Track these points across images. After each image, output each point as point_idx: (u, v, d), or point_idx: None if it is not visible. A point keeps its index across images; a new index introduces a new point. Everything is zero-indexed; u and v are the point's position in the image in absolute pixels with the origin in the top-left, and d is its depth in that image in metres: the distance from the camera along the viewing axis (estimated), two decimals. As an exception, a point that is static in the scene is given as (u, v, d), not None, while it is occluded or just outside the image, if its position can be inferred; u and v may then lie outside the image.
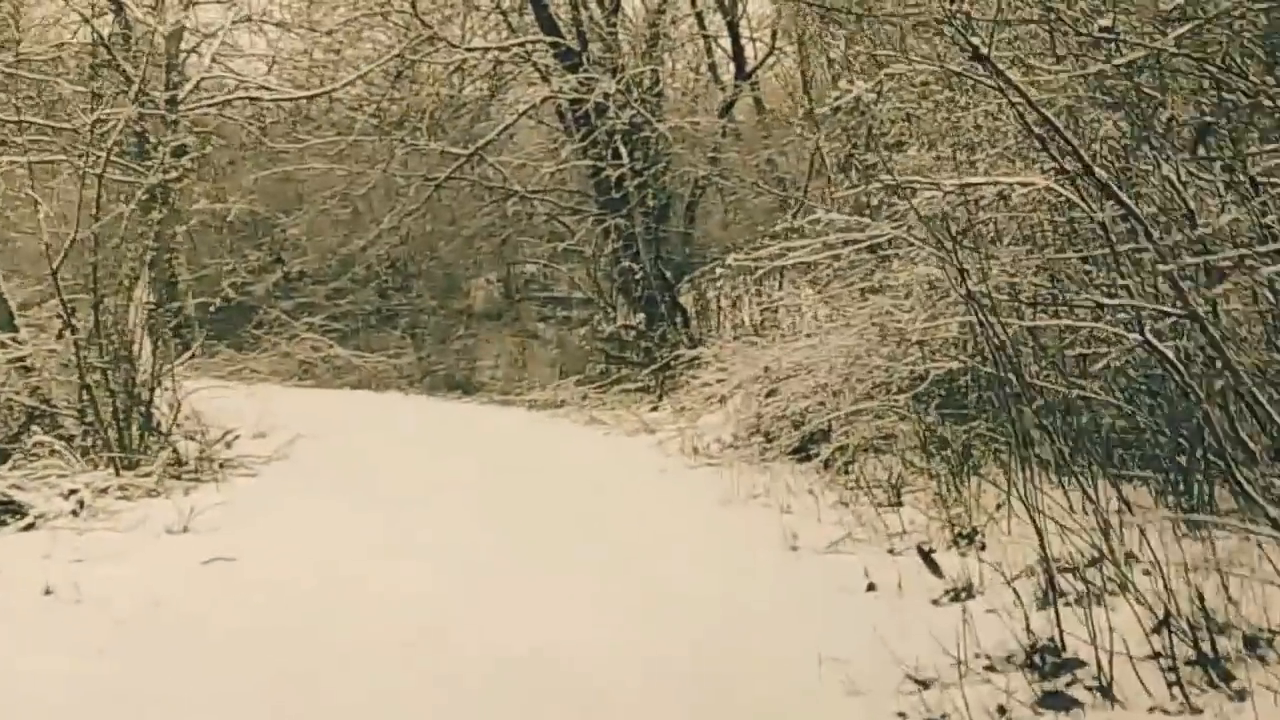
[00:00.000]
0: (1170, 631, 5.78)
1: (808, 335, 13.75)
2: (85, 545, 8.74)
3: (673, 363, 16.90)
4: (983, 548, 8.61)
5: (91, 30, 11.99)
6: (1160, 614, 5.88)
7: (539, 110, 21.21)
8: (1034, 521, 6.81)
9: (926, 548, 8.53)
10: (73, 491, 9.75)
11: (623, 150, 19.10)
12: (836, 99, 12.04)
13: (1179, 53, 7.13)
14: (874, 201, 11.96)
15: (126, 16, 18.08)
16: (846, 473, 11.21)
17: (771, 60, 21.64)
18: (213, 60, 19.86)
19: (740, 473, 11.75)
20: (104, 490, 10.17)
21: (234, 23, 22.45)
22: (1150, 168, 7.53)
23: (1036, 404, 7.51)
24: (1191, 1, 7.11)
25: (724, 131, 20.10)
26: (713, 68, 22.43)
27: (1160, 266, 6.65)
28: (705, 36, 22.07)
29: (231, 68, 20.37)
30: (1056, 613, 6.23)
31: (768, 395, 13.31)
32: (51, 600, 7.50)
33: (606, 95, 18.52)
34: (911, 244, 10.46)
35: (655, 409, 16.30)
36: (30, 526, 9.28)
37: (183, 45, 20.98)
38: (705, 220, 21.39)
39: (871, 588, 7.83)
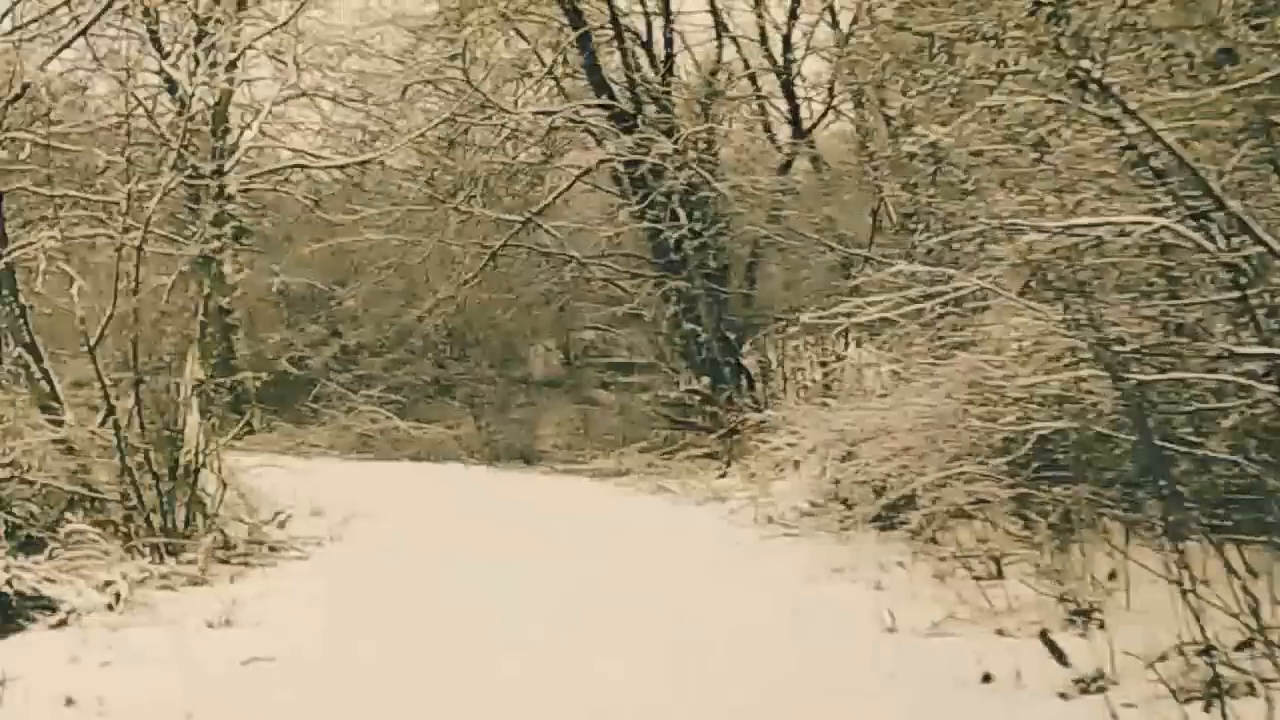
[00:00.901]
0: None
1: (881, 395, 12.76)
2: (118, 644, 7.80)
3: (740, 427, 15.90)
4: (1101, 626, 7.59)
5: (126, 96, 11.09)
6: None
7: (594, 174, 20.38)
8: (1184, 596, 5.78)
9: (1041, 627, 7.51)
10: (108, 583, 8.84)
11: (680, 212, 18.24)
12: (911, 143, 11.14)
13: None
14: (951, 254, 11.05)
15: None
16: (935, 542, 10.19)
17: (827, 120, 20.76)
18: (261, 130, 19.16)
19: (820, 544, 10.76)
20: (143, 580, 9.26)
21: (288, 98, 21.95)
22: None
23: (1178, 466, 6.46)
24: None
25: (783, 190, 19.16)
26: (767, 127, 21.52)
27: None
28: (760, 98, 21.16)
29: (281, 140, 19.62)
30: (1224, 714, 5.19)
31: (843, 459, 12.30)
32: (73, 713, 6.55)
33: (663, 156, 17.69)
34: (1001, 295, 9.50)
35: (723, 475, 15.31)
36: (62, 623, 8.34)
37: (233, 120, 20.40)
38: (766, 281, 20.40)
39: (987, 678, 6.76)
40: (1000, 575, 8.98)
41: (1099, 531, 9.10)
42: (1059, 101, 7.35)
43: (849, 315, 10.37)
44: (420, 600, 9.01)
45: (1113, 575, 8.35)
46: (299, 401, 22.74)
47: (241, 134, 19.68)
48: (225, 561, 10.56)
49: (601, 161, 19.30)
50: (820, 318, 10.73)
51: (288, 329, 23.70)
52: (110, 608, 8.59)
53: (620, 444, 18.21)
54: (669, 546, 11.23)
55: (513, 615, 8.47)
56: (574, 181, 20.23)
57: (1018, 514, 9.86)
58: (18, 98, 10.77)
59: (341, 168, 20.21)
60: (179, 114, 15.45)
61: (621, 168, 19.03)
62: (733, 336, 18.29)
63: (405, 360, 22.38)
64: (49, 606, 8.46)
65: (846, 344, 16.64)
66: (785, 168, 19.73)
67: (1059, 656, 6.83)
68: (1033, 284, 9.85)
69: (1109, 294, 9.01)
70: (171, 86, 18.82)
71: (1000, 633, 7.74)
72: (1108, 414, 8.48)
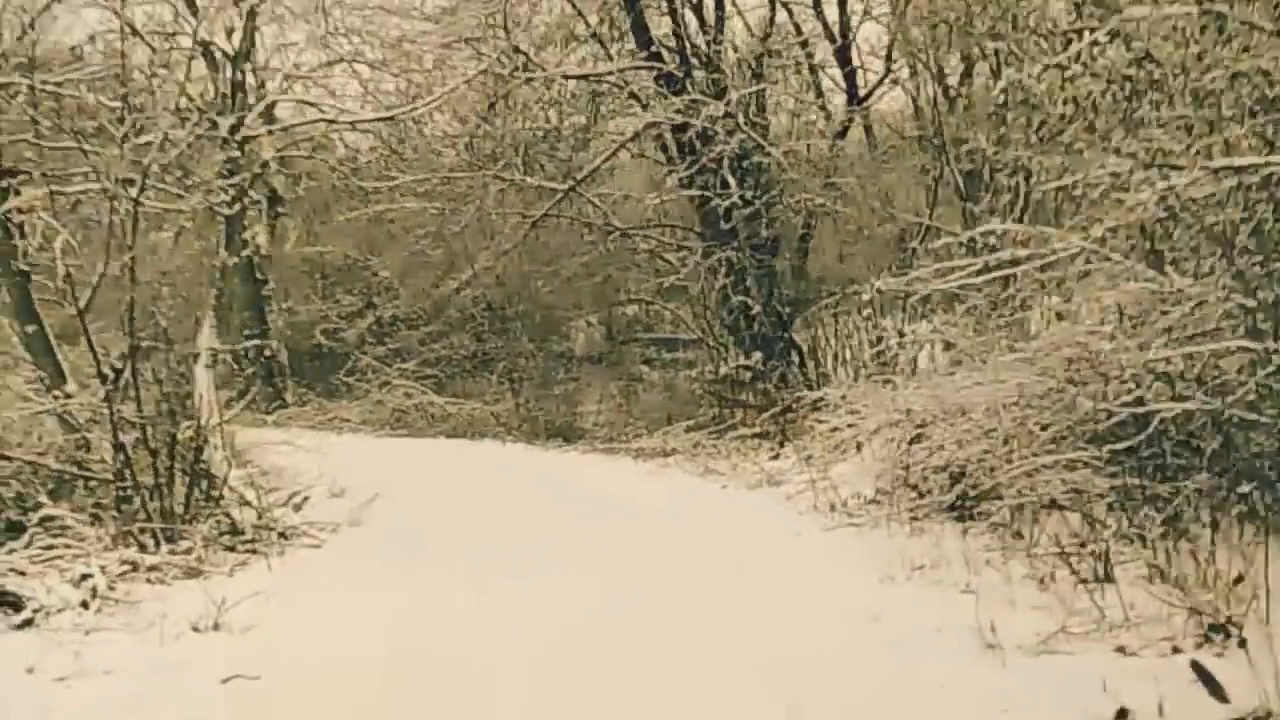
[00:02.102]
0: None
1: (948, 373, 11.33)
2: (85, 651, 6.48)
3: (794, 406, 14.47)
4: (1242, 644, 6.20)
5: (121, 26, 9.72)
6: None
7: (640, 142, 18.93)
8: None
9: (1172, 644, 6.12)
10: (85, 577, 7.52)
11: (730, 179, 16.81)
12: (1001, 89, 9.67)
13: None
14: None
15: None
16: (1020, 536, 8.76)
17: (883, 89, 19.22)
18: (287, 87, 17.82)
19: (892, 537, 9.35)
20: (127, 572, 7.94)
21: (329, 63, 20.68)
22: None
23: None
24: None
25: (837, 156, 17.69)
26: (820, 93, 19.99)
27: None
28: (812, 66, 19.62)
29: (317, 105, 18.27)
30: None
31: (911, 442, 10.88)
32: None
33: (713, 120, 16.24)
34: (1111, 259, 8.05)
35: (776, 457, 13.89)
36: (27, 623, 7.05)
37: (268, 86, 19.07)
38: (818, 255, 18.93)
39: (1124, 714, 5.35)
40: (1109, 578, 7.56)
41: (1221, 529, 7.71)
42: (1217, 13, 5.91)
43: (925, 282, 8.91)
44: (440, 605, 7.63)
45: (1239, 580, 6.98)
46: (332, 375, 21.47)
47: (263, 86, 18.30)
48: (231, 549, 9.25)
49: (648, 126, 17.82)
50: (898, 284, 9.22)
51: (322, 300, 22.45)
52: (85, 605, 7.27)
53: (665, 423, 16.78)
54: (722, 539, 9.81)
55: (544, 629, 7.08)
56: (619, 148, 18.77)
57: (1119, 506, 8.45)
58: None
59: (370, 122, 18.80)
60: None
61: (669, 134, 17.61)
62: (785, 310, 16.84)
63: (442, 333, 21.02)
64: (14, 604, 7.16)
65: (908, 318, 15.25)
66: (841, 134, 18.22)
67: (1215, 690, 5.41)
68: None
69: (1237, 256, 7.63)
70: (205, 51, 17.69)
71: (1122, 651, 6.33)
72: (1246, 392, 7.08)
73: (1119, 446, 7.59)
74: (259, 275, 22.07)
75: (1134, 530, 7.92)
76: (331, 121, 16.48)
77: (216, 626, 6.95)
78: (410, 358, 20.88)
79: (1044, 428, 8.87)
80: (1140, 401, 7.55)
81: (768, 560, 8.85)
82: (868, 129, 19.50)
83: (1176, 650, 6.20)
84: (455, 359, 20.96)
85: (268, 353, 21.45)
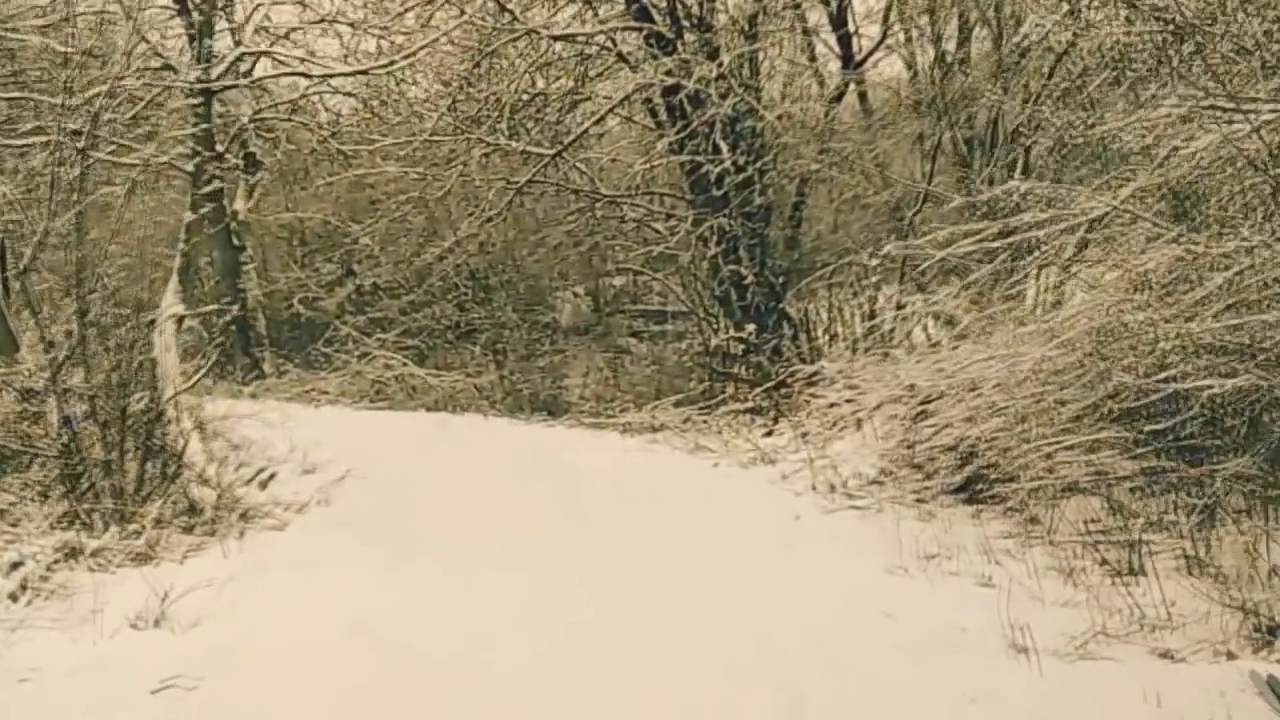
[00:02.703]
0: None
1: (953, 348, 10.59)
2: (6, 653, 5.71)
3: (789, 380, 13.70)
4: (1296, 648, 5.51)
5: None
6: None
7: (629, 106, 18.06)
8: None
9: (1225, 648, 5.41)
10: (16, 565, 6.74)
11: (722, 145, 15.98)
12: (1024, 37, 8.97)
13: None
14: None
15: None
16: (1036, 522, 8.05)
17: (878, 55, 18.37)
18: (255, 33, 16.91)
19: (898, 521, 8.62)
20: (66, 558, 7.15)
21: (309, 23, 19.81)
22: None
23: None
24: None
25: (833, 121, 16.88)
26: (813, 58, 19.13)
27: None
28: (805, 30, 18.77)
29: (288, 56, 17.39)
30: None
31: (915, 419, 10.15)
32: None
33: (705, 81, 15.39)
34: (1143, 221, 7.33)
35: (770, 434, 13.11)
36: (-52, 617, 6.27)
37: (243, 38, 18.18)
38: (812, 224, 18.09)
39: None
40: (1141, 570, 6.84)
41: (1269, 518, 7.05)
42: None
43: (937, 248, 8.14)
44: (414, 596, 6.89)
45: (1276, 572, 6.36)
46: (312, 346, 20.63)
47: (239, 43, 17.41)
48: (188, 531, 8.48)
49: (638, 89, 16.96)
50: (901, 251, 8.46)
51: (301, 268, 21.58)
52: (14, 598, 6.50)
53: (654, 397, 15.96)
54: (717, 522, 9.05)
55: (528, 625, 6.33)
56: (607, 111, 17.85)
57: (1147, 490, 7.74)
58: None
59: (345, 76, 17.95)
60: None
61: (658, 97, 16.77)
62: (778, 281, 16.04)
63: (424, 303, 20.06)
64: (-65, 596, 6.39)
65: (905, 291, 14.50)
66: (837, 99, 17.39)
67: (1290, 710, 4.70)
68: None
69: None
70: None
71: (1169, 656, 5.63)
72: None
73: (1160, 426, 6.82)
74: (236, 242, 21.20)
75: (1167, 518, 7.22)
76: (305, 75, 15.64)
77: (158, 622, 6.20)
78: (391, 328, 20.00)
79: (1063, 405, 8.15)
80: (1177, 378, 6.80)
81: (766, 546, 8.10)
82: (862, 96, 18.73)
83: (1231, 656, 5.50)
84: (437, 329, 20.04)
85: (238, 319, 20.64)
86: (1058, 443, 7.82)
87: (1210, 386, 6.38)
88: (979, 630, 5.97)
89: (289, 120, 21.10)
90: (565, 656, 5.78)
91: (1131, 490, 7.83)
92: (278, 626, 6.11)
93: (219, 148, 20.22)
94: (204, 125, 10.43)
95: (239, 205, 21.47)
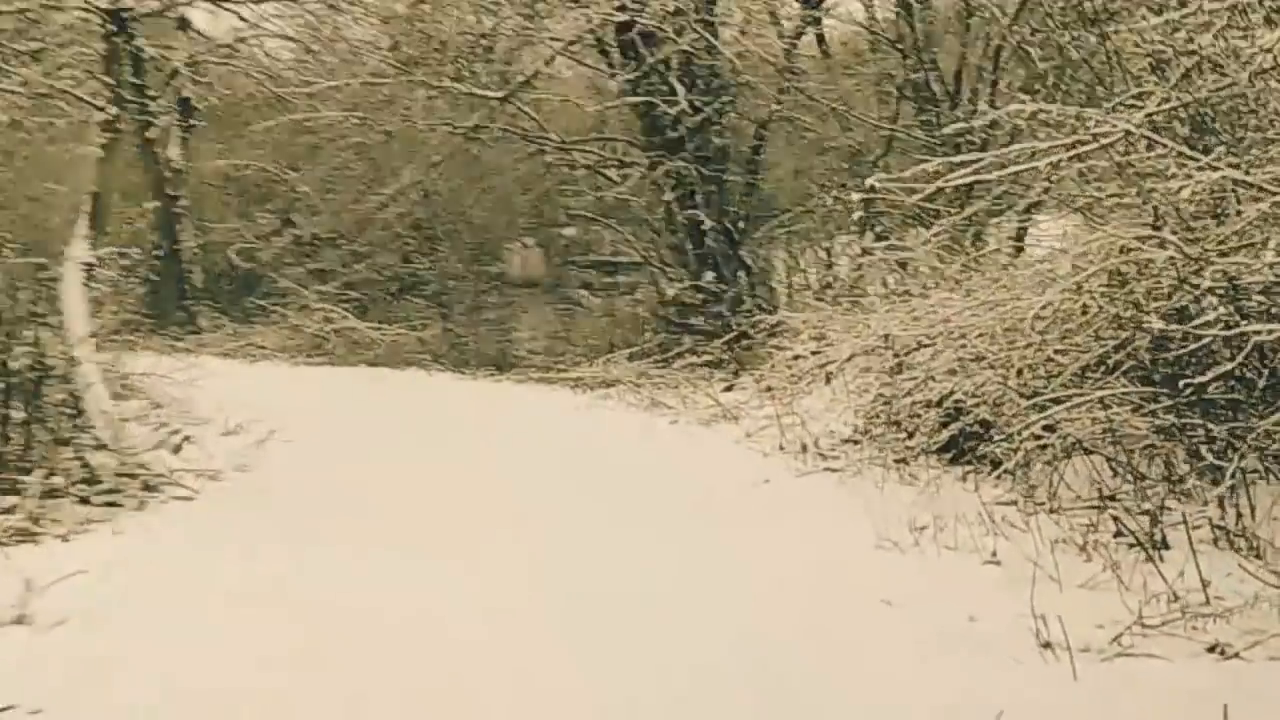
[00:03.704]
0: None
1: (923, 295, 9.64)
2: None
3: (750, 331, 12.70)
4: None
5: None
6: None
7: (581, 47, 16.90)
8: None
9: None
10: None
11: (678, 86, 14.92)
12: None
13: None
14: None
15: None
16: (1033, 485, 7.08)
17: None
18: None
19: (880, 485, 7.64)
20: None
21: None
22: None
23: None
24: None
25: (792, 60, 15.80)
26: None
27: None
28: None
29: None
30: None
31: (893, 372, 9.16)
32: None
33: (660, 17, 14.32)
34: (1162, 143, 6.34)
35: (730, 388, 12.14)
36: None
37: None
38: (771, 170, 17.03)
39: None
40: (1164, 543, 5.88)
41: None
42: None
43: (934, 178, 7.10)
44: (336, 581, 5.78)
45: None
46: (249, 299, 19.45)
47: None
48: (85, 501, 7.36)
49: (589, 29, 15.83)
50: (888, 184, 7.43)
51: (239, 218, 20.33)
52: None
53: (606, 350, 14.95)
54: (676, 486, 8.04)
55: (473, 612, 5.27)
56: (558, 51, 16.75)
57: (1156, 450, 6.78)
58: None
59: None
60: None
61: (611, 36, 15.67)
62: (737, 229, 15.02)
63: (365, 253, 18.86)
64: None
65: (868, 237, 13.55)
66: (796, 37, 16.29)
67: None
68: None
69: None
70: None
71: (1220, 652, 4.65)
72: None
73: (1201, 379, 5.82)
74: (170, 191, 19.96)
75: (1195, 482, 6.25)
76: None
77: (20, 619, 5.06)
78: (331, 280, 18.80)
79: (1063, 355, 7.17)
80: (1214, 324, 5.83)
81: (734, 516, 7.08)
82: (820, 39, 17.65)
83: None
84: (379, 281, 18.87)
85: (173, 271, 19.46)
86: (1061, 398, 6.83)
87: (1259, 332, 5.39)
88: (992, 619, 4.98)
89: (224, 64, 19.82)
90: (513, 648, 4.77)
91: (1144, 451, 6.86)
92: (161, 627, 4.99)
93: (151, 93, 19.03)
94: (114, 66, 9.24)
95: (172, 152, 20.23)
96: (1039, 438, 7.01)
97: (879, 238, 12.89)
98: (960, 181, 7.29)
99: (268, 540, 6.52)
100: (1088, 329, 6.99)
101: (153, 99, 19.11)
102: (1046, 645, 4.71)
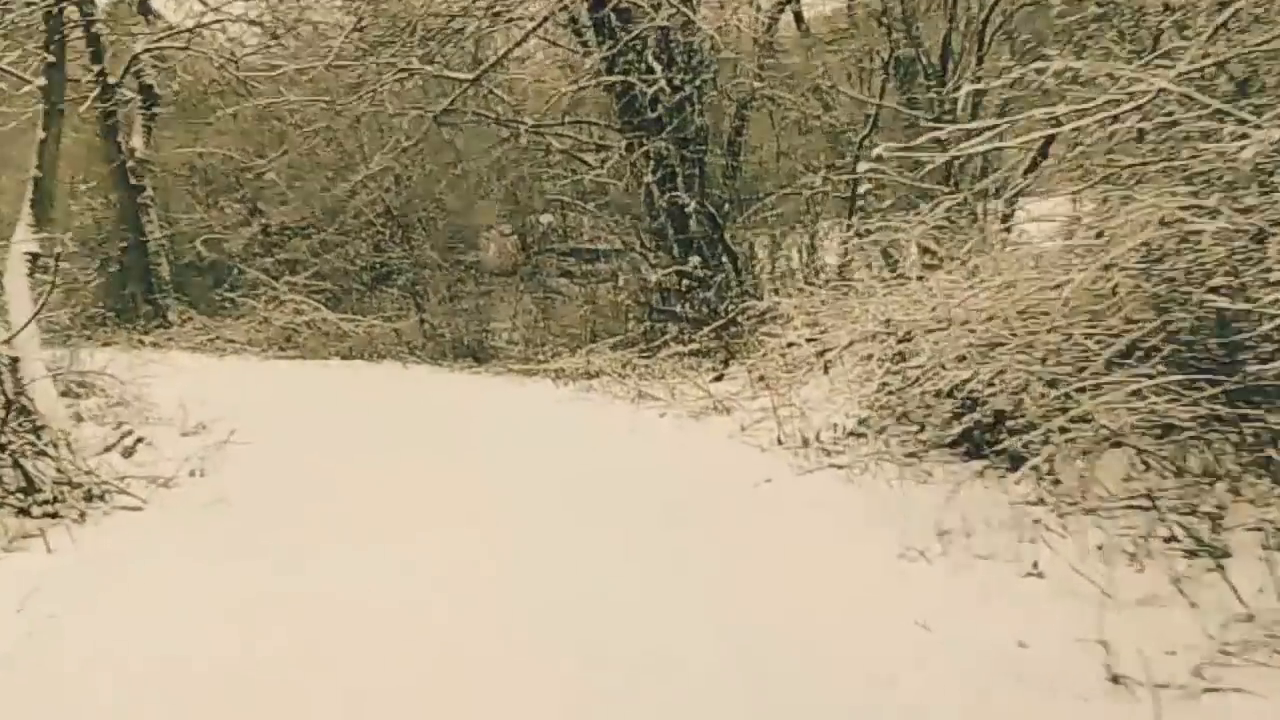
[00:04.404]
0: None
1: (918, 278, 8.94)
2: None
3: (739, 318, 11.98)
4: None
5: None
6: None
7: (553, 29, 16.13)
8: None
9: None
10: None
11: (655, 64, 14.16)
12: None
13: None
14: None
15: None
16: (1058, 483, 6.38)
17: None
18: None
19: (893, 484, 6.94)
20: None
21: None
22: None
23: None
24: None
25: (773, 36, 15.08)
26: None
27: None
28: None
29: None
30: None
31: (895, 360, 8.44)
32: None
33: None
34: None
35: (720, 378, 11.41)
36: None
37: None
38: (753, 152, 16.28)
39: None
40: (1226, 551, 5.18)
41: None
42: None
43: (947, 147, 6.39)
44: (296, 610, 5.05)
45: None
46: (217, 291, 18.61)
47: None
48: (24, 512, 6.61)
49: (561, 6, 15.04)
50: (897, 152, 6.73)
51: (205, 209, 19.46)
52: None
53: (588, 340, 14.20)
54: (669, 486, 7.30)
55: (437, 627, 4.55)
56: (530, 32, 15.94)
57: (1203, 443, 6.08)
58: None
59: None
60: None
61: (585, 15, 14.90)
62: (719, 212, 14.26)
63: (336, 243, 18.01)
64: None
65: (851, 217, 12.89)
66: (779, 10, 15.54)
67: None
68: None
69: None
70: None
71: (1316, 687, 3.96)
72: None
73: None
74: (134, 181, 19.12)
75: (1254, 480, 5.57)
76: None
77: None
78: (301, 270, 17.96)
79: (1094, 340, 6.46)
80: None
81: (735, 523, 6.35)
82: (798, 17, 16.92)
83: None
84: (352, 271, 18.00)
85: (139, 264, 18.64)
86: (1088, 386, 6.12)
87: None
88: (1046, 646, 4.29)
89: (186, 49, 18.95)
90: (500, 685, 4.06)
91: (1186, 444, 6.16)
92: (87, 667, 4.26)
93: (111, 79, 18.20)
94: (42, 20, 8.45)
95: (136, 142, 19.40)
96: (1066, 430, 6.31)
97: (869, 218, 12.21)
98: (974, 151, 6.60)
99: (217, 559, 5.78)
100: (1118, 311, 6.29)
101: (114, 86, 18.31)
102: (1114, 678, 4.02)
